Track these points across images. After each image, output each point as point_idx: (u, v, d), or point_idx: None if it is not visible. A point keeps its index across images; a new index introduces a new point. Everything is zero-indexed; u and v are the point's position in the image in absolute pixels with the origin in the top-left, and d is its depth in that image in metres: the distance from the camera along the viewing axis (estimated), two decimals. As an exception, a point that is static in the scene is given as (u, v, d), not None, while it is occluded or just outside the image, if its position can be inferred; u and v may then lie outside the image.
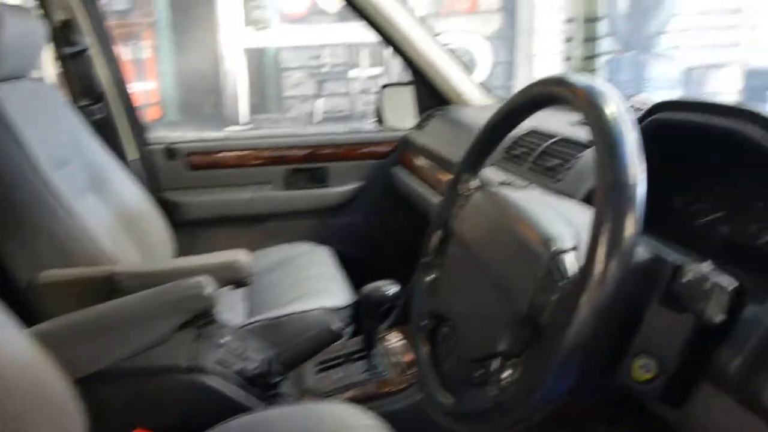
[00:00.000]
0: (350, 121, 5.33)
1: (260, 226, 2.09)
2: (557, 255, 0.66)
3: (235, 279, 1.33)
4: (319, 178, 2.11)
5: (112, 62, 1.95)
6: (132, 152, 1.96)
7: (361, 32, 5.61)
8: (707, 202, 0.94)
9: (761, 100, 4.80)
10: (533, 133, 1.40)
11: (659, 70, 4.67)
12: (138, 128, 2.01)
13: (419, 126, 2.08)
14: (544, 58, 4.81)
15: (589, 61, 4.98)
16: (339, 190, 2.12)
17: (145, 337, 1.05)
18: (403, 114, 2.34)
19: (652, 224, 0.65)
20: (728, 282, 0.58)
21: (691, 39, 4.64)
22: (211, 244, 2.05)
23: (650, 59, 4.62)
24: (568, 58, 5.05)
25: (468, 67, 2.12)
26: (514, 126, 0.88)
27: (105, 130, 1.84)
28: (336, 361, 1.30)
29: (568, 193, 1.12)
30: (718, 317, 0.57)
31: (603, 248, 0.59)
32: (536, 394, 0.62)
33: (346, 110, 5.30)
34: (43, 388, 0.70)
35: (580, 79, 0.71)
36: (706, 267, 0.61)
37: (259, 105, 5.64)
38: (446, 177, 1.71)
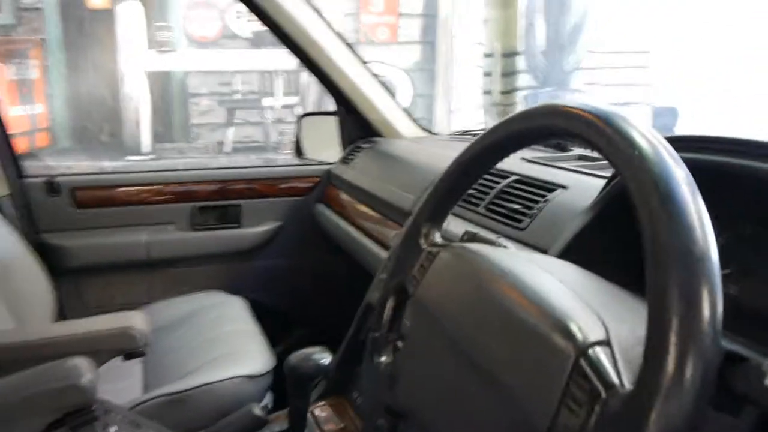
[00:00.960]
0: (264, 152, 5.05)
1: (160, 275, 1.80)
2: (588, 351, 0.47)
3: (127, 349, 1.07)
4: (230, 218, 1.85)
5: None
6: (2, 187, 1.64)
7: (275, 59, 5.42)
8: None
9: (668, 137, 4.97)
10: (483, 171, 1.22)
11: (574, 106, 4.72)
12: (10, 158, 1.68)
13: (345, 159, 1.88)
14: (464, 91, 4.77)
15: (507, 95, 5.01)
16: (254, 230, 1.87)
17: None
18: (325, 146, 2.14)
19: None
20: None
21: (605, 77, 4.75)
22: (101, 298, 1.76)
23: (567, 95, 4.68)
24: (487, 92, 5.07)
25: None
26: (489, 167, 0.70)
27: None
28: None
29: (535, 245, 0.95)
30: None
31: (676, 345, 0.40)
32: None
33: (259, 140, 5.01)
34: None
35: (587, 105, 0.54)
36: None
37: (163, 133, 5.23)
38: (378, 218, 1.52)
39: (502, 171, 1.18)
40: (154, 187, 1.78)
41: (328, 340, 1.94)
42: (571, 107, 0.55)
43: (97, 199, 1.73)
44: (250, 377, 1.25)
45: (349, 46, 1.81)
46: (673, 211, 0.43)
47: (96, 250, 1.73)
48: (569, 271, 0.62)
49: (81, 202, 1.72)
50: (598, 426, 0.44)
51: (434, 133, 1.97)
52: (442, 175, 0.73)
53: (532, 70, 4.77)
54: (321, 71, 1.80)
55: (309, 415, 1.12)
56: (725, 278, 0.81)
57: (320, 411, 1.16)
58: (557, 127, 0.56)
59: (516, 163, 1.26)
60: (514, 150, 0.66)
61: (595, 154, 1.20)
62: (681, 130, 5.04)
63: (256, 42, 4.94)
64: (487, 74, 5.16)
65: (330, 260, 1.95)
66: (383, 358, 0.73)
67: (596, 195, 0.92)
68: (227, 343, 1.38)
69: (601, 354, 0.47)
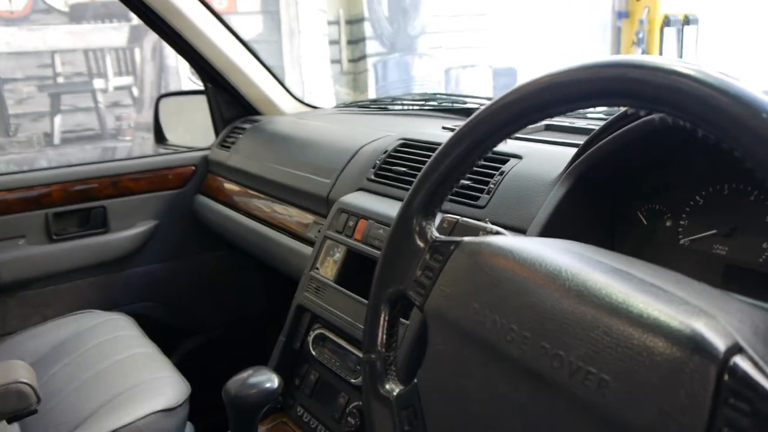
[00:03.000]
0: (101, 140, 4.50)
1: (16, 300, 1.50)
2: (729, 362, 0.38)
3: (12, 412, 0.83)
4: (95, 222, 1.58)
5: None
6: None
7: (100, 34, 4.83)
8: (697, 217, 0.76)
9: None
10: (410, 145, 1.12)
11: (422, 70, 4.77)
12: None
13: (224, 143, 1.67)
14: (312, 61, 4.60)
15: (356, 63, 4.93)
16: (125, 234, 1.61)
17: None
18: (192, 129, 1.92)
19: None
20: None
21: (448, 40, 4.82)
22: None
23: (414, 59, 4.69)
24: (336, 61, 4.95)
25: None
26: (501, 140, 0.58)
27: None
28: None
29: (502, 224, 0.86)
30: None
31: None
32: None
33: (93, 128, 4.45)
34: None
35: (685, 64, 0.44)
36: None
37: (-29, 128, 4.47)
38: (286, 208, 1.36)
39: (433, 141, 1.08)
40: (-6, 194, 1.46)
41: (230, 345, 1.78)
42: (667, 66, 0.44)
43: None
44: (167, 411, 1.06)
45: (217, 14, 1.60)
46: None
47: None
48: (637, 263, 0.52)
49: None
50: None
51: (316, 107, 1.82)
52: (435, 156, 0.61)
53: (378, 37, 4.72)
54: (185, 44, 1.58)
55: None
56: (710, 239, 0.79)
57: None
58: (643, 94, 0.45)
59: (436, 131, 1.17)
60: (549, 115, 0.54)
61: (562, 123, 1.11)
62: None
63: (75, 16, 4.35)
64: (334, 42, 5.05)
65: (214, 256, 1.76)
66: (390, 386, 0.60)
67: (556, 163, 0.85)
68: (127, 373, 1.16)
69: (742, 363, 0.39)
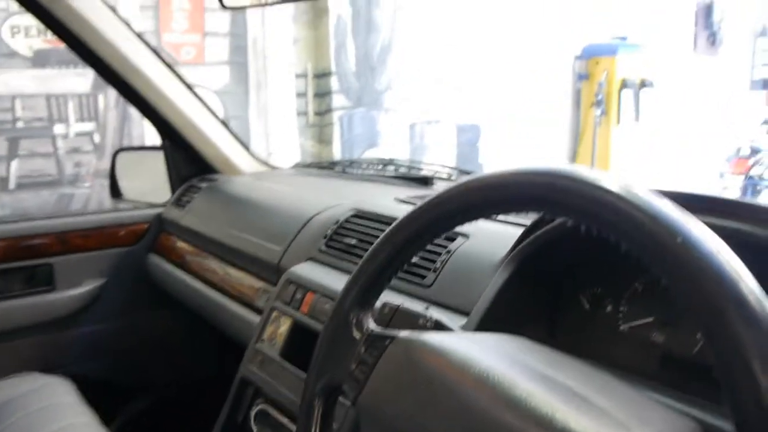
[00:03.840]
0: (58, 186, 4.42)
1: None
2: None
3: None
4: (40, 280, 1.53)
5: None
6: None
7: (63, 80, 4.80)
8: (637, 304, 0.77)
9: (474, 152, 5.30)
10: (360, 216, 1.12)
11: (387, 124, 4.84)
12: None
13: (178, 202, 1.65)
14: (278, 113, 4.63)
15: (322, 116, 4.98)
16: (71, 293, 1.56)
17: None
18: (148, 185, 1.89)
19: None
20: None
21: (412, 96, 4.92)
22: None
23: (380, 114, 4.76)
24: (302, 113, 4.99)
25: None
26: (436, 236, 0.59)
27: None
28: None
29: (447, 305, 0.86)
30: None
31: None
32: None
33: (51, 173, 4.36)
34: None
35: (581, 173, 0.46)
36: None
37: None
38: (236, 273, 1.34)
39: (383, 214, 1.09)
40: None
41: (176, 409, 1.72)
42: (567, 174, 0.46)
43: None
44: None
45: (173, 68, 1.60)
46: (753, 321, 0.37)
47: None
48: (567, 364, 0.53)
49: None
50: None
51: (275, 167, 1.82)
52: (371, 251, 0.61)
53: (345, 91, 4.79)
54: (141, 99, 1.57)
55: None
56: (648, 326, 0.80)
57: None
58: (549, 201, 0.47)
59: (389, 203, 1.18)
60: (474, 219, 0.55)
61: None
62: (483, 145, 5.40)
63: (39, 61, 4.32)
64: (301, 95, 5.09)
65: (166, 316, 1.71)
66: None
67: (502, 242, 0.86)
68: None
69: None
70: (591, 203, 0.45)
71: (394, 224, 0.59)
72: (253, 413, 1.01)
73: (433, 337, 0.56)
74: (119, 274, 1.64)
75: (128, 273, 1.65)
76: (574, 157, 5.77)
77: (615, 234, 0.44)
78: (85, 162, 4.52)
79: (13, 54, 4.22)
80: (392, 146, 4.67)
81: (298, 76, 4.60)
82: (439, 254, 0.91)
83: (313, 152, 4.65)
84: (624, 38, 5.73)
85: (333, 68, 4.64)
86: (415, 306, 0.72)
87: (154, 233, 1.67)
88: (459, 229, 0.95)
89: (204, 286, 1.42)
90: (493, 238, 0.90)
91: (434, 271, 0.90)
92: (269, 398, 1.00)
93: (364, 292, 0.61)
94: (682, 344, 0.74)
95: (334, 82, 4.67)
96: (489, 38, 5.06)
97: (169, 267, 1.59)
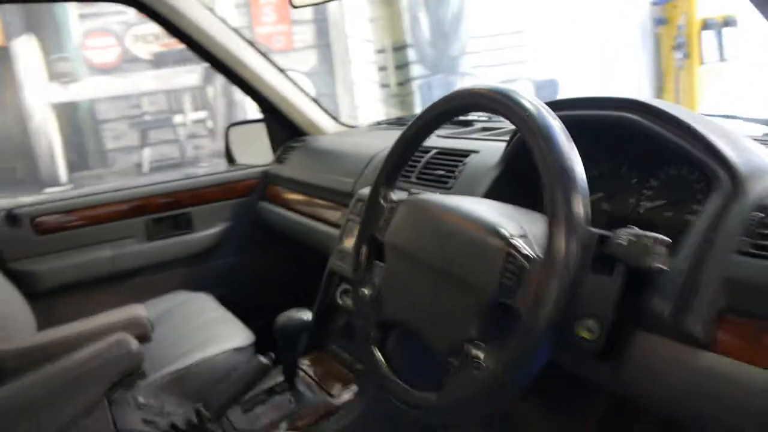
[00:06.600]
0: (182, 167, 5.14)
1: (128, 284, 1.96)
2: (512, 242, 0.74)
3: (140, 334, 1.26)
4: (182, 225, 2.04)
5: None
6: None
7: (179, 77, 5.50)
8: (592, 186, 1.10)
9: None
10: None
11: (465, 88, 5.11)
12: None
13: (280, 159, 2.10)
14: (363, 87, 5.05)
15: (403, 86, 5.35)
16: (205, 233, 2.06)
17: (64, 414, 0.96)
18: (253, 151, 2.35)
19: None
20: (662, 237, 0.70)
21: (488, 58, 5.17)
22: (76, 315, 1.88)
23: (457, 79, 5.06)
24: (385, 85, 5.39)
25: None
26: (426, 137, 0.96)
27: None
28: (260, 398, 1.27)
29: (461, 198, 1.22)
30: (661, 266, 0.69)
31: (563, 230, 0.68)
32: (524, 369, 0.69)
33: (176, 157, 5.09)
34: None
35: (490, 86, 0.81)
36: (636, 230, 0.72)
37: (78, 162, 5.20)
38: (323, 204, 1.76)
39: (425, 146, 1.45)
40: (109, 206, 1.93)
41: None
42: (480, 89, 0.82)
43: (57, 224, 1.87)
44: (238, 349, 1.47)
45: (265, 55, 2.03)
46: (554, 147, 0.71)
47: (63, 272, 1.87)
48: (493, 202, 0.89)
49: (42, 229, 1.85)
50: (528, 285, 0.71)
51: (353, 126, 2.22)
52: (390, 149, 0.99)
53: (422, 60, 5.12)
54: (244, 82, 2.01)
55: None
56: (600, 200, 1.13)
57: (306, 363, 1.41)
58: (472, 104, 0.84)
59: (433, 139, 1.54)
60: (442, 124, 0.92)
61: (494, 125, 1.51)
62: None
63: (157, 63, 5.02)
64: (382, 69, 5.50)
65: (277, 251, 2.17)
66: (366, 290, 0.98)
67: (501, 154, 1.21)
68: (210, 328, 1.58)
69: (522, 242, 0.75)
70: (498, 104, 0.80)
71: (406, 126, 0.96)
72: (338, 292, 1.43)
73: (424, 195, 0.94)
74: (238, 218, 2.11)
75: (245, 218, 2.12)
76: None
77: (507, 118, 0.79)
78: (202, 145, 5.19)
79: (136, 59, 4.92)
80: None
81: (378, 51, 4.98)
82: (457, 166, 1.28)
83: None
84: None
85: (409, 41, 4.98)
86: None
87: (262, 185, 2.13)
88: (471, 146, 1.31)
89: (302, 218, 1.85)
90: (495, 152, 1.25)
91: (454, 178, 1.26)
92: (348, 280, 1.40)
93: (388, 175, 0.99)
94: (619, 209, 1.07)
95: (411, 54, 5.02)
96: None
97: (275, 209, 2.04)
